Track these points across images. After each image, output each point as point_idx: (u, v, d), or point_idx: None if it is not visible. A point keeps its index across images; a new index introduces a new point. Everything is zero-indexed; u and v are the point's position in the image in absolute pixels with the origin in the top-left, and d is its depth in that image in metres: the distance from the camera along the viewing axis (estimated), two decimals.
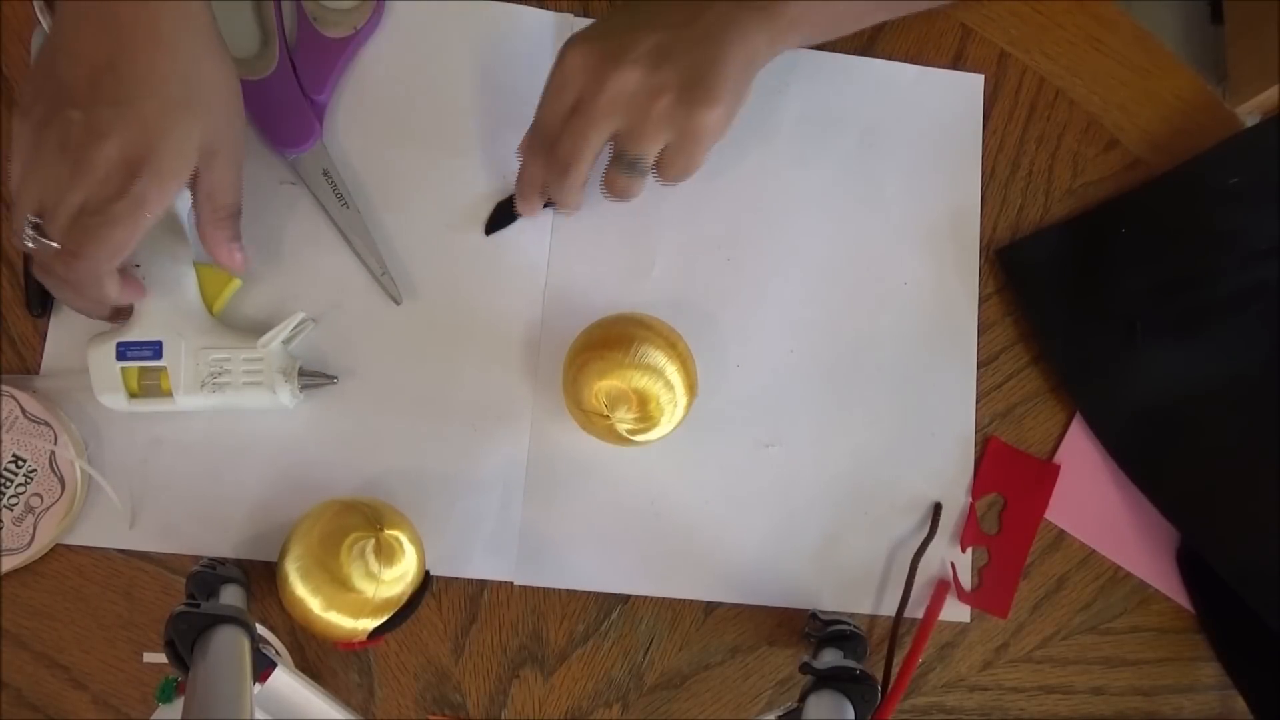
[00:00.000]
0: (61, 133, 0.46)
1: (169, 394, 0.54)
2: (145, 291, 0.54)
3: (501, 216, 0.60)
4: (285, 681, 0.47)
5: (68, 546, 0.56)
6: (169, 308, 0.55)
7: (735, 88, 0.52)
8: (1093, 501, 0.62)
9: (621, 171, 0.54)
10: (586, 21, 0.62)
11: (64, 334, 0.57)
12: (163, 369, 0.54)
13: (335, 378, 0.57)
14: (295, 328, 0.56)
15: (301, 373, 0.56)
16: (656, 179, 0.55)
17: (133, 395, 0.54)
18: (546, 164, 0.55)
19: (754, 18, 0.53)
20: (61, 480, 0.55)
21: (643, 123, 0.52)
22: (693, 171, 0.54)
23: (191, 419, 0.57)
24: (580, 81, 0.52)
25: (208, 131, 0.49)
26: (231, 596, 0.52)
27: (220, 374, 0.54)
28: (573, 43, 0.52)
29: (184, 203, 0.55)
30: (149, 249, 0.54)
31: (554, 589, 0.59)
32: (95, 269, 0.48)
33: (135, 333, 0.54)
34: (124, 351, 0.54)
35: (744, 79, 0.53)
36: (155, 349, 0.54)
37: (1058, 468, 0.62)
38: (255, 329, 0.55)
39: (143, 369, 0.54)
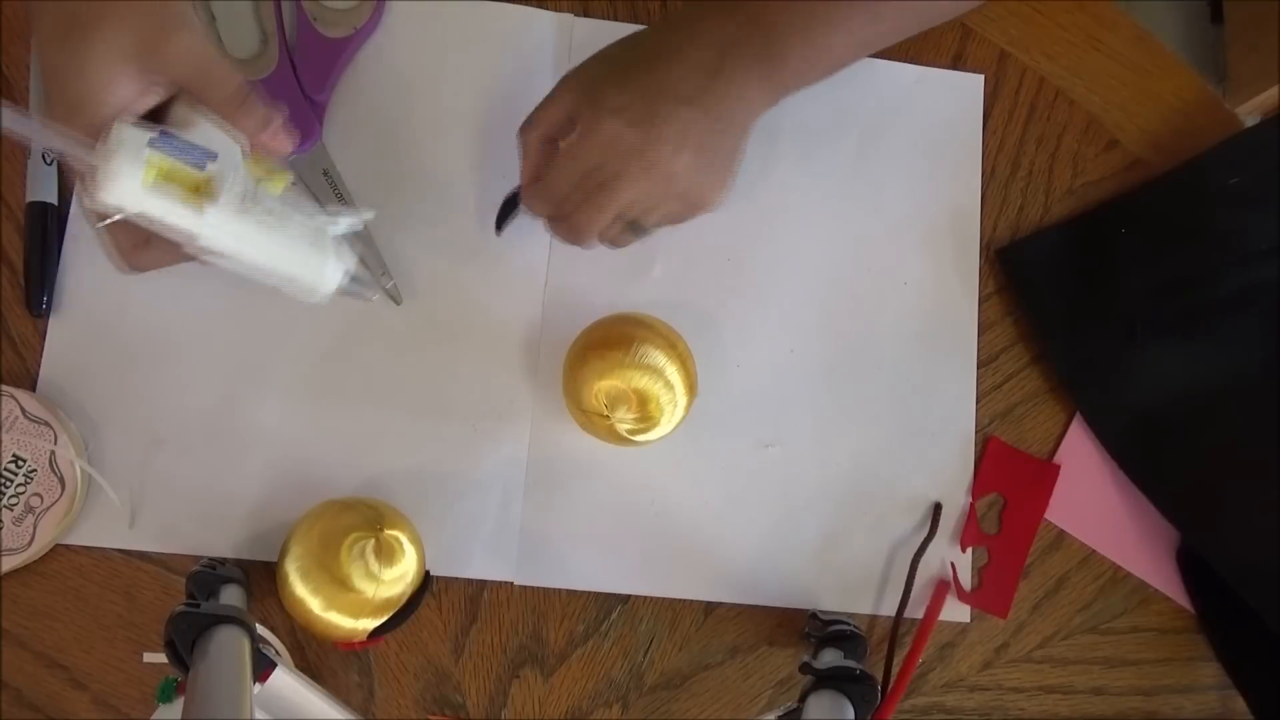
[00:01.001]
0: None
1: (209, 197, 0.44)
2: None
3: (507, 212, 0.59)
4: (285, 681, 0.47)
5: (68, 546, 0.56)
6: (223, 143, 0.45)
7: (740, 161, 0.54)
8: (1093, 501, 0.62)
9: (625, 232, 0.55)
10: (587, 21, 0.63)
11: (64, 334, 0.57)
12: (206, 179, 0.44)
13: (376, 294, 0.51)
14: (358, 221, 0.49)
15: (354, 276, 0.49)
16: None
17: (150, 185, 0.43)
18: (554, 223, 0.54)
19: (761, 87, 0.53)
20: (61, 480, 0.55)
21: (658, 202, 0.52)
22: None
23: (191, 416, 0.57)
24: (601, 154, 0.51)
25: (120, 38, 0.44)
26: (231, 596, 0.52)
27: (273, 211, 0.46)
28: (594, 104, 0.51)
29: None
30: None
31: (554, 589, 0.59)
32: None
33: (185, 135, 0.44)
34: (165, 144, 0.43)
35: (745, 145, 0.54)
36: (204, 156, 0.44)
37: (1058, 468, 0.62)
38: None
39: (174, 169, 0.43)
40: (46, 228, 0.57)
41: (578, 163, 0.52)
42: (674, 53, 0.52)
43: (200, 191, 0.44)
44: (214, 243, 0.45)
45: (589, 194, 0.52)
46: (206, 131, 0.46)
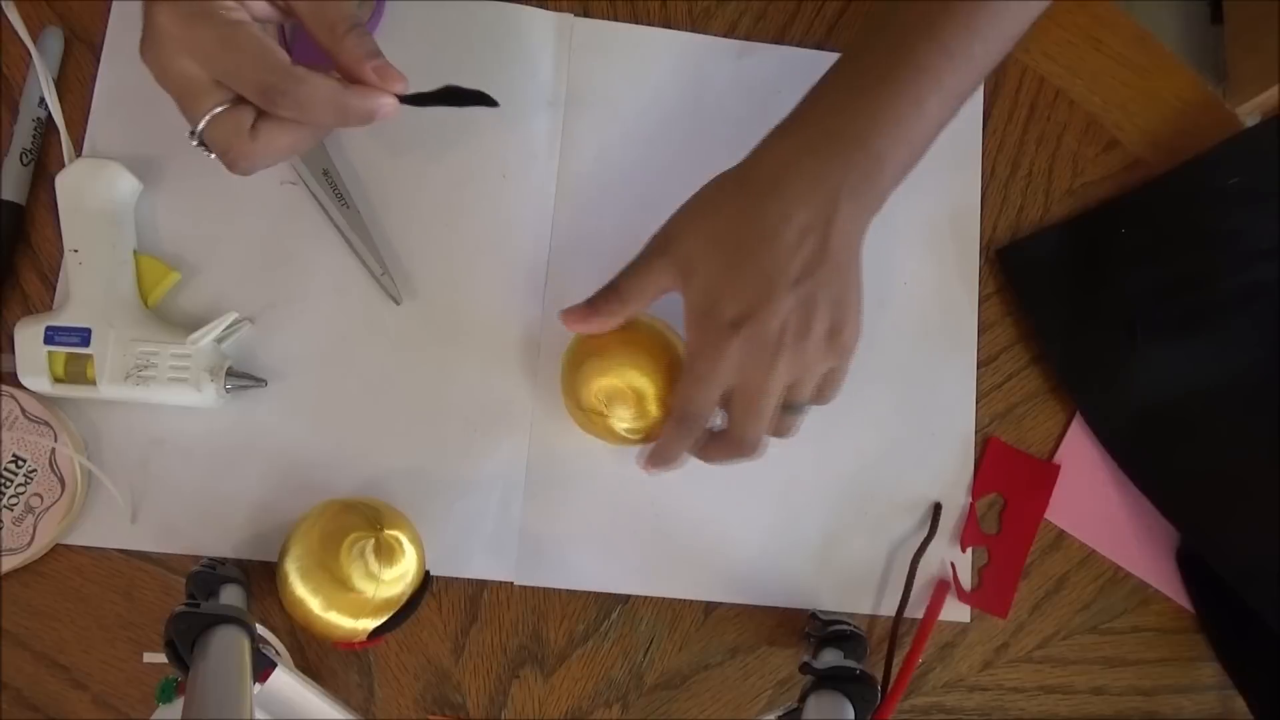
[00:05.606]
0: None
1: (93, 382, 0.54)
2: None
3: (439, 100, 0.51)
4: (285, 681, 0.47)
5: (68, 546, 0.56)
6: (102, 296, 0.55)
7: (861, 289, 0.52)
8: (1093, 501, 0.62)
9: (789, 415, 0.53)
10: (587, 21, 0.62)
11: None
12: (89, 356, 0.54)
13: (264, 381, 0.57)
14: (228, 328, 0.56)
15: (230, 372, 0.56)
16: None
17: (57, 380, 0.54)
18: (716, 442, 0.52)
19: (867, 210, 0.51)
20: (61, 480, 0.55)
21: (804, 377, 0.51)
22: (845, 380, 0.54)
23: (193, 417, 0.57)
24: (735, 375, 0.49)
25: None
26: (231, 596, 0.52)
27: (146, 367, 0.54)
28: (718, 326, 0.49)
29: (130, 193, 0.56)
30: (88, 236, 0.55)
31: (554, 589, 0.59)
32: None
33: (65, 318, 0.54)
34: (52, 336, 0.54)
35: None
36: (83, 336, 0.54)
37: (1058, 468, 0.62)
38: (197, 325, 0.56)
39: (70, 355, 0.54)
40: (2, 227, 0.57)
41: (711, 386, 0.50)
42: (779, 225, 0.49)
43: (90, 367, 0.54)
44: (110, 399, 0.55)
45: (744, 412, 0.50)
46: (114, 231, 0.56)
